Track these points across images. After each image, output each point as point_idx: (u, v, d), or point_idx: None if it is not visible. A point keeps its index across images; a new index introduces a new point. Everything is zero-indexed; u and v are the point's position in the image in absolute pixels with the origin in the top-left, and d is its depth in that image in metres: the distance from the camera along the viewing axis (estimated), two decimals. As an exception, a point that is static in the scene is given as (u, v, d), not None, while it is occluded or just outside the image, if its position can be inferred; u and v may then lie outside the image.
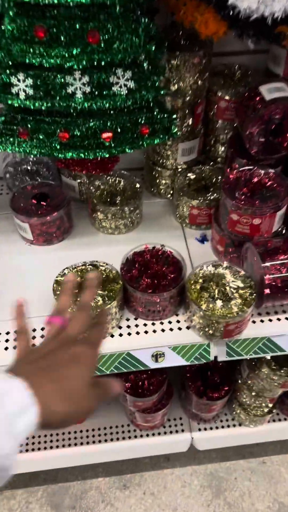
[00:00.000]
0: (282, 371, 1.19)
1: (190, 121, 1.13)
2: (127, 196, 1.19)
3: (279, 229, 1.05)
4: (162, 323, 1.02)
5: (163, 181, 1.26)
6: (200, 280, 0.99)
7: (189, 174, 1.22)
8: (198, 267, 1.00)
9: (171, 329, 1.01)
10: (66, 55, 0.76)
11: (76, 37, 0.76)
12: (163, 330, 1.01)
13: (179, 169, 1.23)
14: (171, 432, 1.47)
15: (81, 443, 1.44)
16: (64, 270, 1.00)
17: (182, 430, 1.48)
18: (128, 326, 1.02)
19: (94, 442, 1.45)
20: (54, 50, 0.76)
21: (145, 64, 0.83)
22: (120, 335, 1.00)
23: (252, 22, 0.75)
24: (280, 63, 1.08)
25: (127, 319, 1.03)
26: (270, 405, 1.40)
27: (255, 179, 1.04)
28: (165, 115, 0.93)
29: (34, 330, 1.00)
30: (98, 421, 1.49)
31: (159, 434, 1.47)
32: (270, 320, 1.03)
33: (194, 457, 1.68)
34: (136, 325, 1.02)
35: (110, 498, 1.59)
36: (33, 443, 1.44)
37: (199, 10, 0.81)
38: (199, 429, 1.48)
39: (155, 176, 1.26)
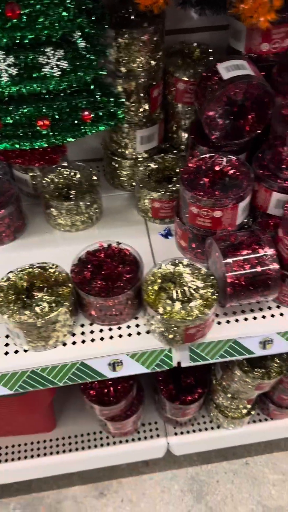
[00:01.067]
0: (254, 372, 1.10)
1: (146, 106, 1.03)
2: (83, 189, 1.09)
3: (245, 221, 0.97)
4: (120, 328, 0.94)
5: (124, 172, 1.17)
6: (159, 280, 0.90)
7: (150, 164, 1.12)
8: (155, 266, 0.92)
9: (129, 334, 0.93)
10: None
11: (-7, 10, 0.66)
12: (120, 336, 0.92)
13: (140, 159, 1.13)
14: (145, 438, 1.40)
15: (53, 452, 1.36)
16: (8, 274, 0.91)
17: (158, 435, 1.40)
18: (83, 333, 0.93)
19: (66, 451, 1.37)
20: None
21: (80, 42, 0.74)
22: (74, 343, 0.92)
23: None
24: (240, 39, 0.98)
25: (82, 325, 0.94)
26: (249, 406, 1.33)
27: (217, 167, 0.95)
28: (110, 99, 0.83)
29: (-22, 340, 0.91)
30: (70, 429, 1.41)
31: (133, 440, 1.39)
32: (237, 321, 0.94)
33: (174, 461, 1.61)
34: (92, 331, 0.93)
35: (87, 508, 1.52)
36: (5, 454, 1.36)
37: (137, -23, 0.71)
38: (175, 433, 1.40)
39: (115, 167, 1.17)
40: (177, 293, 0.87)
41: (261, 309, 0.96)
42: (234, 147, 0.99)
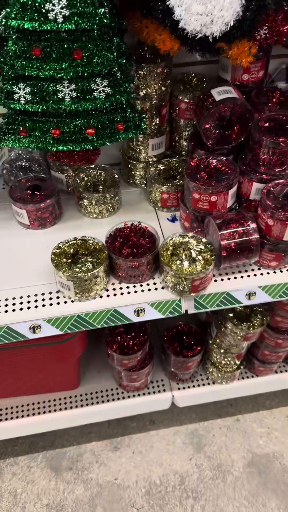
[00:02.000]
0: (242, 325, 1.42)
1: (157, 121, 1.37)
2: (107, 185, 1.41)
3: (233, 205, 1.29)
4: (141, 285, 1.24)
5: (138, 173, 1.49)
6: (170, 248, 1.22)
7: (159, 166, 1.45)
8: (168, 237, 1.23)
9: (149, 290, 1.23)
10: (57, 68, 0.99)
11: (65, 55, 0.98)
12: (142, 291, 1.23)
13: (151, 162, 1.46)
14: (154, 393, 1.69)
15: (78, 406, 1.64)
16: (59, 244, 1.21)
17: (164, 390, 1.69)
18: (114, 289, 1.23)
19: (88, 404, 1.65)
20: (48, 64, 0.98)
21: (118, 74, 1.06)
22: (108, 296, 1.22)
23: (198, 40, 0.99)
24: (227, 71, 1.33)
25: (113, 284, 1.25)
26: (238, 361, 1.63)
27: (211, 165, 1.28)
28: (136, 115, 1.16)
29: (35, 295, 1.21)
30: (91, 387, 1.69)
31: (144, 394, 1.68)
32: (229, 279, 1.26)
33: (176, 419, 1.90)
34: (120, 288, 1.24)
35: (103, 459, 1.79)
36: (33, 409, 1.63)
37: (158, 32, 1.04)
38: (179, 388, 1.70)
39: (130, 169, 1.49)
40: (185, 255, 1.19)
41: (246, 270, 1.28)
42: (224, 151, 1.32)
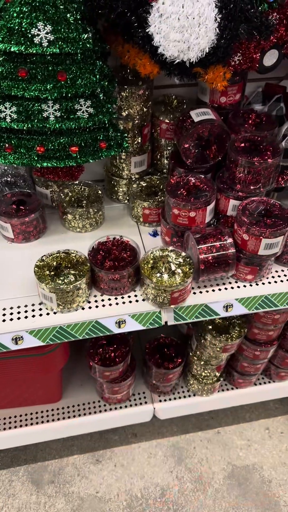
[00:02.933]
0: (221, 336, 1.46)
1: (139, 140, 1.42)
2: (91, 200, 1.46)
3: (211, 220, 1.34)
4: (122, 298, 1.28)
5: (120, 189, 1.54)
6: (151, 261, 1.26)
7: (141, 182, 1.50)
8: (149, 251, 1.28)
9: (130, 302, 1.27)
10: (42, 89, 1.04)
11: (49, 76, 1.04)
12: (123, 303, 1.27)
13: (133, 179, 1.51)
14: (136, 405, 1.71)
15: (58, 419, 1.65)
16: (42, 257, 1.25)
17: (146, 402, 1.72)
18: (96, 301, 1.27)
19: (70, 417, 1.66)
20: (33, 85, 1.03)
21: (101, 95, 1.12)
22: (90, 307, 1.25)
23: (176, 65, 1.05)
24: (206, 93, 1.40)
25: (95, 296, 1.28)
26: (218, 373, 1.67)
27: (190, 183, 1.33)
28: (118, 134, 1.21)
29: (18, 307, 1.23)
30: (71, 400, 1.71)
31: (125, 407, 1.70)
32: (207, 291, 1.30)
33: (158, 432, 1.91)
34: (102, 300, 1.27)
35: (85, 472, 1.79)
36: (14, 422, 1.63)
37: (138, 56, 1.10)
38: (160, 401, 1.72)
39: (113, 185, 1.54)
40: (165, 268, 1.24)
41: (224, 283, 1.33)
42: (203, 169, 1.38)
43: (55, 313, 1.23)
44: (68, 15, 0.99)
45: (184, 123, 1.33)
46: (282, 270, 1.37)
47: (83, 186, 1.48)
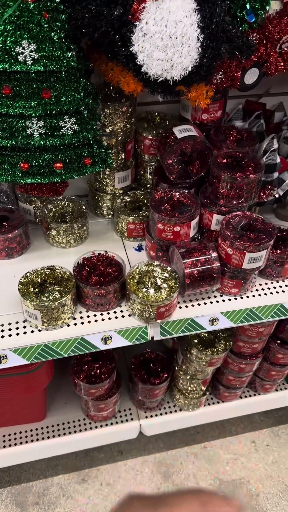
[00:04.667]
0: (207, 351, 1.46)
1: (123, 156, 1.43)
2: (75, 216, 1.45)
3: (195, 235, 1.35)
4: (108, 313, 1.27)
5: (105, 204, 1.54)
6: (137, 276, 1.26)
7: (125, 198, 1.51)
8: (134, 265, 1.28)
9: (116, 317, 1.26)
10: (26, 106, 1.04)
11: (34, 94, 1.04)
12: (109, 319, 1.26)
13: (117, 194, 1.51)
14: (122, 422, 1.69)
15: (43, 438, 1.62)
16: (26, 274, 1.23)
17: (132, 419, 1.70)
18: (81, 317, 1.26)
19: (54, 436, 1.63)
20: (17, 103, 1.03)
21: (85, 112, 1.12)
22: (75, 324, 1.24)
23: (160, 83, 1.07)
24: (188, 110, 1.42)
25: (80, 312, 1.27)
26: (203, 387, 1.67)
27: (174, 198, 1.34)
28: (103, 150, 1.22)
29: (2, 325, 1.21)
30: (57, 418, 1.68)
31: (111, 424, 1.67)
32: (193, 305, 1.31)
33: (144, 448, 1.89)
34: (88, 316, 1.26)
35: (70, 492, 1.76)
36: (2, 441, 1.60)
37: (122, 74, 1.12)
38: (146, 417, 1.70)
39: (97, 200, 1.54)
40: (151, 283, 1.24)
41: (209, 297, 1.33)
42: (186, 184, 1.39)
43: (39, 330, 1.21)
44: (53, 33, 0.99)
45: (167, 139, 1.35)
46: (266, 283, 1.39)
47: (67, 201, 1.48)
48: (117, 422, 1.69)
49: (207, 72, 1.04)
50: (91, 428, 1.66)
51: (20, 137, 1.08)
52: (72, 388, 1.57)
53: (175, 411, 1.74)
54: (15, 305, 1.26)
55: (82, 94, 1.09)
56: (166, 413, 1.73)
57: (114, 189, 1.51)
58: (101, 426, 1.66)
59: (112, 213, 1.56)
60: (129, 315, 1.27)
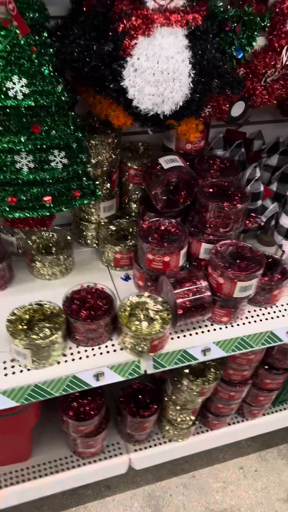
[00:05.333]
0: (198, 381, 1.44)
1: (108, 185, 1.42)
2: (60, 246, 1.42)
3: (184, 264, 1.35)
4: (99, 348, 1.24)
5: (89, 233, 1.51)
6: (128, 308, 1.23)
7: (110, 227, 1.49)
8: (125, 298, 1.25)
9: (107, 352, 1.23)
10: (16, 141, 1.01)
11: (23, 128, 1.01)
12: (101, 353, 1.22)
13: (102, 223, 1.50)
14: (110, 457, 1.63)
15: (29, 479, 1.54)
16: (13, 310, 1.19)
17: (120, 453, 1.65)
18: (72, 353, 1.21)
19: (40, 476, 1.55)
20: (6, 137, 1.01)
21: (74, 146, 1.11)
22: (66, 361, 1.19)
23: (150, 117, 1.07)
24: (172, 140, 1.43)
25: (70, 348, 1.23)
26: (193, 417, 1.64)
27: (162, 227, 1.34)
28: (91, 182, 1.20)
29: (-11, 365, 1.16)
30: (41, 457, 1.60)
31: (100, 460, 1.62)
32: (184, 336, 1.29)
33: (132, 482, 1.84)
34: (78, 352, 1.22)
35: (58, 534, 1.67)
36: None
37: (111, 108, 1.11)
38: (135, 450, 1.66)
39: (82, 229, 1.51)
40: (143, 315, 1.21)
41: (200, 327, 1.32)
42: (173, 213, 1.39)
43: (28, 370, 1.16)
44: (43, 68, 0.98)
45: (153, 169, 1.35)
46: (255, 310, 1.39)
47: (51, 232, 1.45)
48: (105, 458, 1.63)
49: (197, 106, 1.05)
50: (79, 466, 1.59)
51: (8, 172, 1.05)
52: (58, 424, 1.51)
53: (164, 442, 1.70)
54: (1, 343, 1.20)
55: (72, 128, 1.07)
56: (155, 445, 1.69)
57: (99, 219, 1.49)
58: (90, 462, 1.60)
59: (97, 242, 1.54)
60: (121, 349, 1.24)
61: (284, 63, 1.13)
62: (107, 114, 1.13)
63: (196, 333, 1.31)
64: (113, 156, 1.37)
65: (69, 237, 1.44)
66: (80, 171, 1.15)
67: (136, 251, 1.38)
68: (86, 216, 1.49)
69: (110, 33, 0.99)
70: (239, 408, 1.77)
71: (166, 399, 1.60)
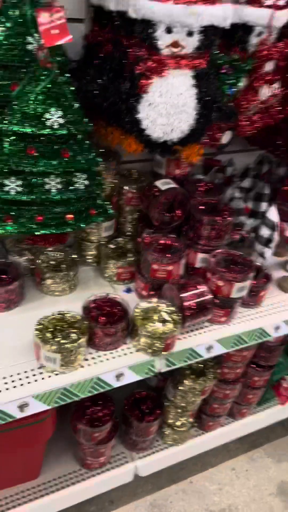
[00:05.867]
0: (199, 380, 1.59)
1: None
2: (68, 264, 1.54)
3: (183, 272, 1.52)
4: (117, 351, 1.35)
5: (90, 252, 1.65)
6: (142, 313, 1.37)
7: (109, 245, 1.64)
8: (137, 304, 1.39)
9: (125, 354, 1.35)
10: (49, 165, 1.15)
11: (55, 154, 1.16)
12: (119, 356, 1.34)
13: (102, 242, 1.64)
14: (117, 466, 1.70)
15: (35, 498, 1.56)
16: (39, 320, 1.28)
17: (126, 462, 1.72)
18: (93, 358, 1.32)
19: (52, 491, 1.59)
20: (41, 162, 1.15)
21: (93, 169, 1.27)
22: (88, 365, 1.30)
23: (159, 144, 1.26)
24: (162, 167, 1.63)
25: (90, 353, 1.33)
26: (191, 420, 1.77)
27: (162, 241, 1.51)
28: (104, 202, 1.36)
29: (18, 373, 1.23)
30: (50, 474, 1.64)
31: (107, 470, 1.68)
32: (190, 336, 1.45)
33: (134, 494, 1.90)
34: (98, 356, 1.33)
35: None
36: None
37: (124, 137, 1.29)
38: (140, 457, 1.74)
39: (83, 249, 1.65)
40: (158, 318, 1.36)
41: (201, 327, 1.48)
42: (168, 229, 1.57)
43: (56, 374, 1.25)
44: (73, 102, 1.14)
45: (150, 191, 1.53)
46: (246, 311, 1.58)
47: (57, 251, 1.56)
48: (112, 468, 1.70)
49: (200, 134, 1.26)
50: (86, 478, 1.65)
51: (39, 193, 1.18)
52: (64, 439, 1.57)
53: (166, 447, 1.80)
54: (25, 354, 1.28)
55: (93, 153, 1.23)
56: (158, 451, 1.78)
57: (100, 238, 1.63)
58: (98, 474, 1.66)
59: (96, 260, 1.67)
60: (137, 351, 1.36)
61: (260, 99, 1.38)
62: (119, 142, 1.31)
63: (199, 333, 1.47)
64: (115, 180, 1.54)
65: (74, 256, 1.57)
66: (97, 192, 1.30)
67: (139, 264, 1.53)
68: (87, 237, 1.63)
69: (126, 74, 1.19)
70: (230, 408, 1.92)
71: (166, 404, 1.72)
